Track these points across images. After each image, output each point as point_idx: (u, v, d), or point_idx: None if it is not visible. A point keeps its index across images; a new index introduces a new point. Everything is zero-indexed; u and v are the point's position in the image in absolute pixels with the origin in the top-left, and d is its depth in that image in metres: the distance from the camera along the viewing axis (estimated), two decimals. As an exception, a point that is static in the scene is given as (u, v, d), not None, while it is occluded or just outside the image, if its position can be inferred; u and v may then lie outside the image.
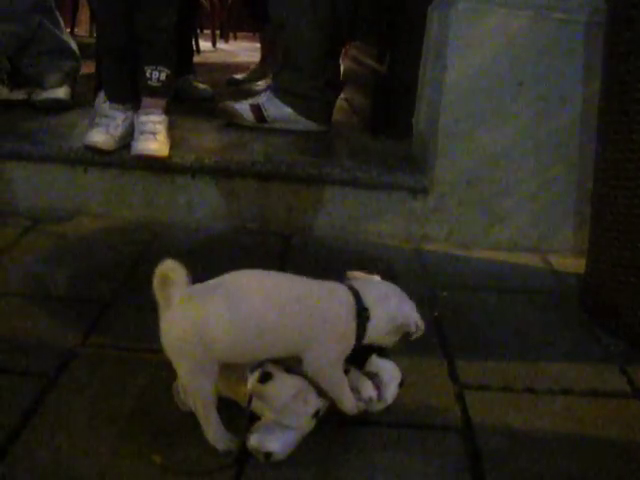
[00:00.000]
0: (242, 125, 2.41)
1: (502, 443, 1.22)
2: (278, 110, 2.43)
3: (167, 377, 1.22)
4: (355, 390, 1.19)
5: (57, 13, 2.58)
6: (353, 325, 1.16)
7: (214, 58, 4.87)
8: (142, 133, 2.05)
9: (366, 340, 1.18)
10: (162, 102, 2.15)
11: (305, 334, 1.13)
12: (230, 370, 1.16)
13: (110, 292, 1.63)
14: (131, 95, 2.15)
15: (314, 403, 1.15)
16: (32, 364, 1.34)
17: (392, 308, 1.20)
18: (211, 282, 1.12)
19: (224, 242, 1.98)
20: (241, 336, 1.09)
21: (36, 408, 1.21)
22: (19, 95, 2.53)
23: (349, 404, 1.18)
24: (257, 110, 2.42)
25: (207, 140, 2.22)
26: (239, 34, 6.73)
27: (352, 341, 1.17)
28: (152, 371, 1.33)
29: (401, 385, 1.24)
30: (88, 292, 1.65)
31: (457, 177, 2.04)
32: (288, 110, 2.43)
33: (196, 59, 4.42)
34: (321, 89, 2.45)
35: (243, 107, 2.43)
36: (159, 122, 2.09)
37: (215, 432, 1.13)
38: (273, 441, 1.12)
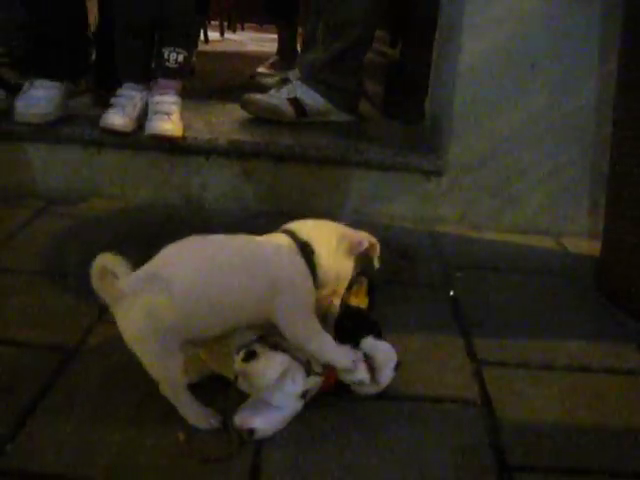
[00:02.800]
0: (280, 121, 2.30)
1: (520, 418, 1.22)
2: (315, 102, 2.34)
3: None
4: (347, 372, 1.18)
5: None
6: (303, 263, 1.15)
7: (222, 47, 4.87)
8: (156, 113, 2.03)
9: (321, 275, 1.17)
10: (177, 84, 2.13)
11: (259, 291, 1.11)
12: (219, 345, 1.15)
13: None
14: (147, 74, 2.14)
15: (302, 383, 1.13)
16: (50, 339, 1.35)
17: (331, 233, 1.20)
18: (151, 263, 1.10)
19: (238, 223, 1.97)
20: (194, 312, 1.07)
21: (55, 380, 1.21)
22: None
23: (340, 358, 1.16)
24: (296, 104, 2.33)
25: (220, 121, 2.22)
26: (246, 25, 6.73)
27: (310, 281, 1.15)
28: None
29: (397, 367, 1.23)
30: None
31: (470, 159, 2.04)
32: (323, 101, 2.35)
33: (205, 48, 4.43)
34: (354, 79, 2.41)
35: (281, 101, 2.32)
36: (173, 103, 2.07)
37: (194, 414, 1.11)
38: (256, 418, 1.10)
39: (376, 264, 1.25)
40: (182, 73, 2.14)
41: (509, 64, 1.96)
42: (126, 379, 1.20)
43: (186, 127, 2.09)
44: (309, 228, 1.20)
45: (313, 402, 1.17)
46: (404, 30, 2.53)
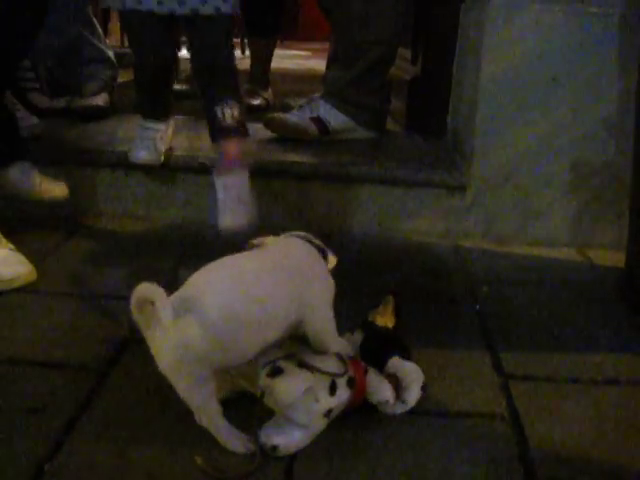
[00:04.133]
0: (304, 140, 2.31)
1: (549, 432, 1.22)
2: (338, 120, 2.35)
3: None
4: (373, 392, 1.19)
5: (96, 23, 2.63)
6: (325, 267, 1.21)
7: (242, 65, 4.88)
8: (228, 204, 1.86)
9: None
10: (241, 146, 1.90)
11: (296, 301, 1.15)
12: (248, 367, 1.16)
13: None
14: (168, 110, 2.10)
15: (325, 401, 1.13)
16: (83, 359, 1.37)
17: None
18: (184, 290, 1.10)
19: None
20: (229, 339, 1.07)
21: (90, 401, 1.24)
22: (59, 103, 2.57)
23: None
24: (319, 122, 2.33)
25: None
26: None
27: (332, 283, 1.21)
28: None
29: (424, 389, 1.24)
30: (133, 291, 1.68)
31: (494, 173, 2.05)
32: (346, 119, 2.36)
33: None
34: (379, 96, 2.42)
35: (304, 120, 2.33)
36: (245, 184, 1.89)
37: (230, 439, 1.12)
38: (280, 436, 1.12)
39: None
40: (242, 129, 1.90)
41: (530, 78, 1.97)
42: (160, 399, 1.22)
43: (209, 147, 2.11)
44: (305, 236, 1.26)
45: (343, 418, 1.18)
46: (424, 46, 2.55)
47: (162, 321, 1.03)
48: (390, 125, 2.61)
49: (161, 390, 1.25)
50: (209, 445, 1.12)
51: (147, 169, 2.10)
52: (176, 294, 1.09)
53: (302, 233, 1.26)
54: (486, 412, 1.28)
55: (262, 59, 3.02)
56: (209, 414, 1.10)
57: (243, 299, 1.09)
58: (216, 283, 1.11)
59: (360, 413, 1.21)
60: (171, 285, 1.66)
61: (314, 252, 1.22)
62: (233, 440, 1.12)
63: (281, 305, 1.13)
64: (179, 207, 2.13)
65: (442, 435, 1.21)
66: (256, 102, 2.90)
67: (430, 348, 1.46)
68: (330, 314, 1.20)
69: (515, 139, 2.02)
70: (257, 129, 2.31)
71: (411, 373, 1.23)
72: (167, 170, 2.11)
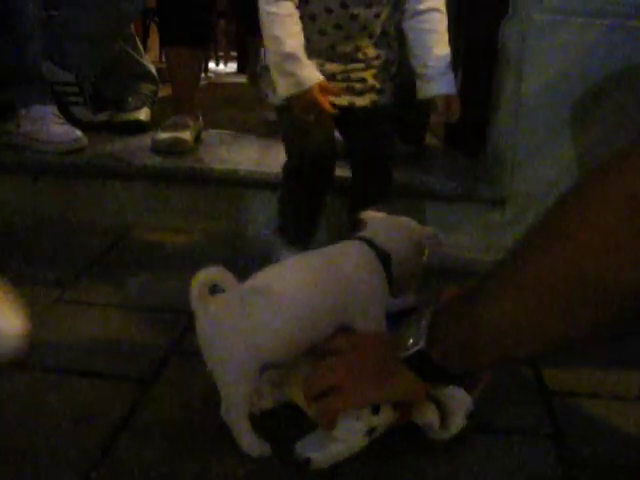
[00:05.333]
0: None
1: (593, 450, 1.21)
2: None
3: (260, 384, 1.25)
4: (419, 414, 1.17)
5: (137, 38, 2.67)
6: (381, 274, 1.21)
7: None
8: None
9: (396, 279, 1.23)
10: None
11: (346, 305, 1.18)
12: (294, 373, 1.17)
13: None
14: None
15: (368, 420, 1.12)
16: (126, 370, 1.39)
17: (404, 232, 1.25)
18: (255, 280, 1.14)
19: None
20: (288, 333, 1.11)
21: (134, 411, 1.25)
22: (102, 117, 2.61)
23: None
24: None
25: (282, 156, 2.25)
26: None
27: (386, 289, 1.22)
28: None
29: (470, 416, 1.20)
30: (176, 303, 1.69)
31: (535, 188, 2.03)
32: None
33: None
34: (417, 110, 2.41)
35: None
36: None
37: (249, 439, 1.12)
38: (315, 449, 1.11)
39: (424, 257, 1.27)
40: None
41: (572, 93, 1.96)
42: (203, 410, 1.23)
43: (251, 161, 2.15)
44: (384, 232, 1.24)
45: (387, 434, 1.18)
46: (463, 60, 2.55)
47: (213, 303, 1.07)
48: (429, 139, 2.60)
49: (205, 402, 1.27)
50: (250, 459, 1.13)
51: (184, 181, 2.13)
52: (247, 282, 1.13)
53: (384, 224, 1.27)
54: (530, 429, 1.27)
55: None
56: (239, 411, 1.11)
57: (306, 295, 1.14)
58: (284, 277, 1.16)
59: (403, 429, 1.21)
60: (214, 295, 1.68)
61: (369, 257, 1.21)
62: (252, 442, 1.12)
63: (326, 306, 1.16)
64: (219, 219, 2.14)
65: (485, 453, 1.20)
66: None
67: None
68: (379, 320, 1.21)
69: (556, 154, 2.00)
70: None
71: (457, 400, 1.19)
72: (207, 183, 2.12)
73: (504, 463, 1.18)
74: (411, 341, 1.04)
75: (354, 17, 1.59)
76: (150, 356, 1.43)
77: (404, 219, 1.30)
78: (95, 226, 2.14)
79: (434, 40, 1.66)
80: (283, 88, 1.55)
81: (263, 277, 1.16)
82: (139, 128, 2.57)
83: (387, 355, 1.08)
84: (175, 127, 2.30)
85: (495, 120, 2.28)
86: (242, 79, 2.40)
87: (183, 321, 1.57)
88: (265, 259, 1.94)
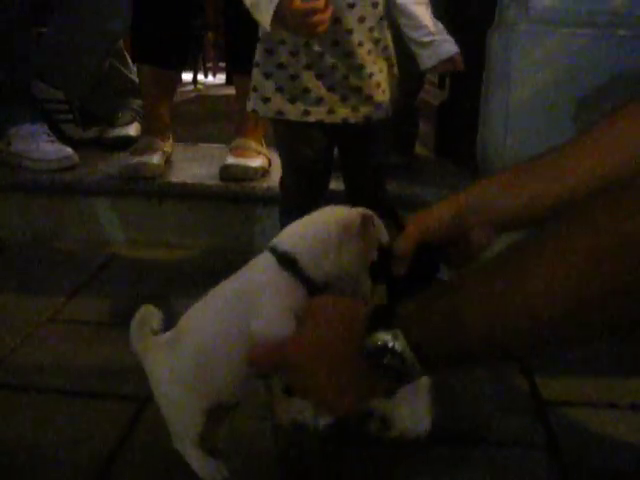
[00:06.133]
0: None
1: (588, 459, 1.22)
2: None
3: (260, 403, 1.26)
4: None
5: (126, 54, 2.67)
6: (283, 277, 1.01)
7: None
8: None
9: (322, 278, 1.02)
10: None
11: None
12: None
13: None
14: None
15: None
16: (123, 389, 1.39)
17: (325, 225, 1.04)
18: (180, 322, 1.10)
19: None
20: (209, 371, 1.05)
21: (132, 431, 1.26)
22: (91, 133, 2.62)
23: None
24: None
25: (276, 169, 2.26)
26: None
27: (292, 293, 1.01)
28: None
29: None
30: (172, 320, 1.69)
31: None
32: None
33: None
34: (407, 121, 2.42)
35: None
36: None
37: (202, 465, 1.10)
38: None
39: (383, 239, 1.06)
40: None
41: (560, 102, 1.97)
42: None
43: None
44: (294, 232, 1.05)
45: (376, 445, 1.18)
46: (452, 71, 2.56)
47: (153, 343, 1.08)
48: (419, 149, 2.62)
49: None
50: (255, 474, 1.13)
51: (180, 196, 2.13)
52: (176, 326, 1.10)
53: (300, 222, 1.07)
54: (524, 439, 1.27)
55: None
56: (188, 443, 1.09)
57: (206, 333, 1.07)
58: (196, 317, 1.10)
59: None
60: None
61: (268, 266, 1.04)
62: (206, 467, 1.10)
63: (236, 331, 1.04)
64: (212, 235, 2.15)
65: (480, 464, 1.20)
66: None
67: (465, 374, 1.45)
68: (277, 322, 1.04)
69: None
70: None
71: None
72: (200, 199, 2.13)
73: (499, 474, 1.18)
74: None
75: (350, 6, 1.52)
76: (145, 375, 1.43)
77: (325, 211, 1.07)
78: (87, 244, 2.14)
79: (424, 10, 1.65)
80: (262, 15, 1.44)
81: (185, 317, 1.10)
82: (129, 144, 2.56)
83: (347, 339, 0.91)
84: (142, 151, 2.25)
85: (484, 130, 2.29)
86: (231, 91, 2.39)
87: (178, 338, 1.58)
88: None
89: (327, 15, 1.41)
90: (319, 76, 1.54)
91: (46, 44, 2.48)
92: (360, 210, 1.04)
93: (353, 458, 1.20)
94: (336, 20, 1.49)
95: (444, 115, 2.54)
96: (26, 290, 1.84)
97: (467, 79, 2.40)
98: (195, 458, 1.10)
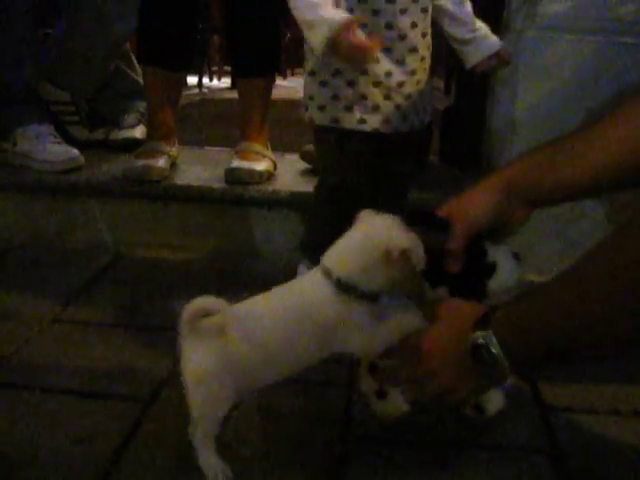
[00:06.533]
0: None
1: (592, 465, 1.22)
2: None
3: (259, 404, 1.27)
4: None
5: (132, 56, 2.68)
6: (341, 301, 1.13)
7: (277, 94, 4.84)
8: None
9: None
10: None
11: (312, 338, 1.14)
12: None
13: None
14: None
15: None
16: (127, 390, 1.40)
17: (368, 249, 1.14)
18: (238, 308, 1.14)
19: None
20: (265, 360, 1.11)
21: (135, 431, 1.26)
22: (97, 135, 2.63)
23: None
24: None
25: (281, 172, 2.27)
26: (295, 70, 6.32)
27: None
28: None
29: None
30: (175, 322, 1.70)
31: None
32: None
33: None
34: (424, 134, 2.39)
35: None
36: None
37: (209, 460, 1.12)
38: None
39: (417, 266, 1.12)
40: None
41: (565, 108, 1.98)
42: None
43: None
44: (344, 254, 1.15)
45: (384, 452, 1.20)
46: (458, 76, 2.57)
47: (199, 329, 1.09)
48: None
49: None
50: (257, 472, 1.14)
51: (183, 199, 2.14)
52: (233, 308, 1.13)
53: (345, 242, 1.16)
54: (527, 445, 1.28)
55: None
56: (207, 435, 1.11)
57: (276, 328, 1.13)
58: (264, 308, 1.15)
59: (402, 444, 1.22)
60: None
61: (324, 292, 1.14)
62: (211, 463, 1.12)
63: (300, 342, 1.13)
64: (217, 238, 2.15)
65: (483, 469, 1.21)
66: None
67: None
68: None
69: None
70: (293, 161, 2.33)
71: None
72: (205, 201, 2.14)
73: (502, 479, 1.18)
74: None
75: (403, 11, 1.53)
76: (149, 376, 1.44)
77: (368, 231, 1.15)
78: (92, 245, 2.15)
79: (468, 7, 1.65)
80: (315, 41, 1.44)
81: (245, 308, 1.15)
82: (135, 146, 2.56)
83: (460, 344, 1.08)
84: (148, 154, 2.23)
85: (489, 136, 2.29)
86: (236, 94, 2.40)
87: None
88: (262, 276, 1.96)
89: (377, 51, 1.45)
90: (375, 84, 1.55)
91: (53, 45, 2.49)
92: (401, 240, 1.10)
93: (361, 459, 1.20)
94: (389, 25, 1.51)
95: (449, 120, 2.54)
96: (30, 291, 1.84)
97: (473, 85, 2.41)
98: (206, 453, 1.12)
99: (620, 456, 1.25)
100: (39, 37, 2.49)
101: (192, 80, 4.83)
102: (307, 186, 2.14)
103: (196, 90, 4.84)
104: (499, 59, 1.68)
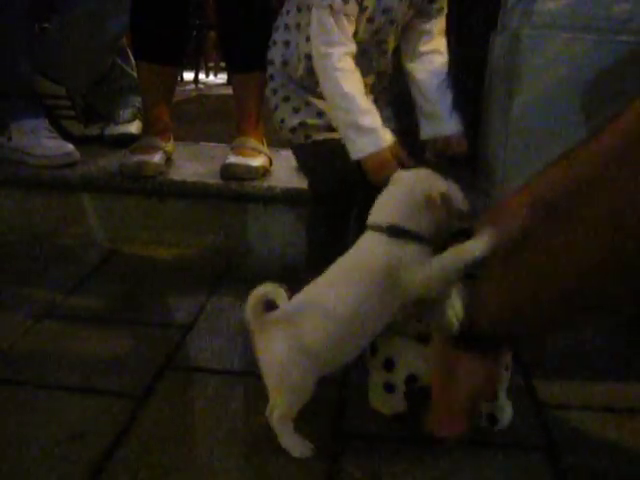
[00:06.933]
0: None
1: (586, 462, 1.22)
2: None
3: (253, 399, 1.27)
4: None
5: (129, 51, 2.67)
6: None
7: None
8: None
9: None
10: None
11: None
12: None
13: (191, 316, 1.69)
14: None
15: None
16: (121, 385, 1.39)
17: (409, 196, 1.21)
18: (298, 297, 1.17)
19: (298, 267, 2.01)
20: (339, 343, 1.16)
21: (128, 427, 1.25)
22: (93, 131, 2.62)
23: None
24: None
25: (277, 168, 2.27)
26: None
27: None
28: (234, 393, 1.39)
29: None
30: (169, 317, 1.71)
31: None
32: None
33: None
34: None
35: None
36: None
37: (292, 440, 1.17)
38: None
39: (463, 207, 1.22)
40: None
41: (562, 107, 1.97)
42: (198, 426, 1.24)
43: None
44: (389, 206, 1.21)
45: (378, 449, 1.20)
46: (453, 74, 2.56)
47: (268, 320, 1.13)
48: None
49: (200, 417, 1.28)
50: (252, 470, 1.14)
51: (180, 195, 2.13)
52: (298, 296, 1.18)
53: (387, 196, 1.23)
54: (522, 442, 1.27)
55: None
56: (284, 418, 1.16)
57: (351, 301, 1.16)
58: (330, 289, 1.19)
59: (395, 441, 1.22)
60: (202, 313, 1.70)
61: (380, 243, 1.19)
62: (295, 443, 1.17)
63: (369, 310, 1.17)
64: (212, 234, 2.15)
65: (477, 466, 1.21)
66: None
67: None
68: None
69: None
70: (288, 158, 2.32)
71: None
72: (200, 197, 2.13)
73: (497, 476, 1.18)
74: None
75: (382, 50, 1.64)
76: (143, 371, 1.43)
77: (411, 180, 1.23)
78: (87, 240, 2.15)
79: (439, 80, 1.68)
80: (363, 146, 1.50)
81: (311, 291, 1.19)
82: (130, 141, 2.56)
83: None
84: (143, 150, 2.22)
85: (485, 134, 2.29)
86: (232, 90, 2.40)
87: (176, 336, 1.58)
88: (257, 272, 1.96)
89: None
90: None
91: (48, 40, 2.49)
92: (440, 187, 1.19)
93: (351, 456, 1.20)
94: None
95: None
96: (25, 286, 1.85)
97: (468, 83, 2.41)
98: (288, 434, 1.17)
99: (614, 453, 1.25)
100: (35, 31, 2.48)
101: (188, 76, 4.83)
102: (302, 183, 2.14)
103: (192, 86, 4.83)
104: (448, 144, 1.73)
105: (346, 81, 1.50)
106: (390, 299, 1.17)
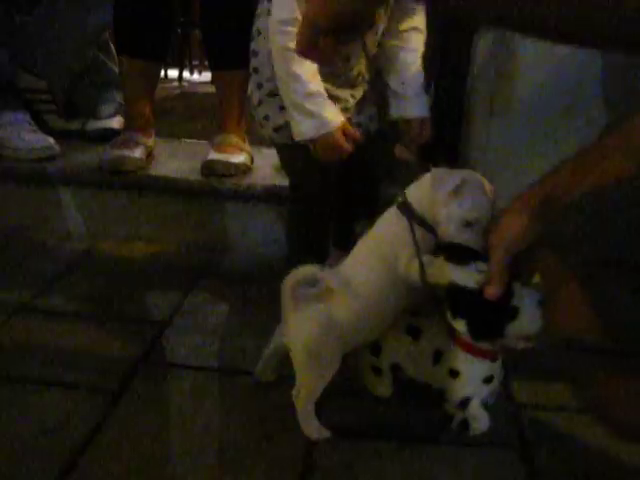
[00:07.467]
0: None
1: (560, 462, 1.22)
2: None
3: (231, 395, 1.26)
4: None
5: (111, 46, 2.66)
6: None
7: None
8: None
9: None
10: None
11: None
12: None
13: (168, 312, 1.68)
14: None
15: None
16: (97, 381, 1.38)
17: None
18: (329, 280, 1.19)
19: (277, 265, 2.00)
20: (366, 323, 1.21)
21: (103, 422, 1.24)
22: (74, 125, 2.60)
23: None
24: None
25: (257, 166, 2.26)
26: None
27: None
28: (210, 390, 1.38)
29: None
30: (146, 313, 1.70)
31: (506, 202, 2.05)
32: None
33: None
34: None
35: None
36: None
37: (311, 423, 1.20)
38: None
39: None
40: None
41: (544, 108, 1.98)
42: (173, 422, 1.23)
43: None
44: (415, 188, 1.29)
45: (353, 444, 1.19)
46: (437, 76, 2.57)
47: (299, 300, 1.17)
48: (401, 153, 2.62)
49: (176, 413, 1.27)
50: (235, 468, 1.14)
51: (159, 190, 2.12)
52: (332, 271, 1.22)
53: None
54: (497, 441, 1.27)
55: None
56: (309, 399, 1.19)
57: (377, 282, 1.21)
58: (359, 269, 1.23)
59: (371, 438, 1.22)
60: (180, 309, 1.69)
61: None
62: (313, 427, 1.20)
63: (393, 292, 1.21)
64: (192, 231, 2.14)
65: (452, 465, 1.21)
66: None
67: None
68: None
69: (529, 169, 2.01)
70: (270, 155, 2.32)
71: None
72: (181, 193, 2.12)
73: (472, 475, 1.19)
74: None
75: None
76: (119, 367, 1.43)
77: (440, 176, 1.30)
78: (66, 235, 2.13)
79: (413, 59, 1.67)
80: (306, 129, 1.50)
81: (341, 270, 1.22)
82: (112, 136, 2.54)
83: None
84: (124, 145, 2.21)
85: (467, 135, 2.30)
86: (217, 88, 2.40)
87: (152, 332, 1.57)
88: (236, 269, 1.96)
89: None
90: None
91: (30, 33, 2.46)
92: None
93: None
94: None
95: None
96: (2, 280, 1.83)
97: (452, 84, 2.42)
98: (310, 418, 1.20)
99: (586, 453, 1.25)
100: (16, 24, 2.46)
101: (173, 73, 4.80)
102: (283, 181, 2.13)
103: (177, 84, 4.81)
104: (411, 127, 1.70)
105: (297, 62, 1.46)
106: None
